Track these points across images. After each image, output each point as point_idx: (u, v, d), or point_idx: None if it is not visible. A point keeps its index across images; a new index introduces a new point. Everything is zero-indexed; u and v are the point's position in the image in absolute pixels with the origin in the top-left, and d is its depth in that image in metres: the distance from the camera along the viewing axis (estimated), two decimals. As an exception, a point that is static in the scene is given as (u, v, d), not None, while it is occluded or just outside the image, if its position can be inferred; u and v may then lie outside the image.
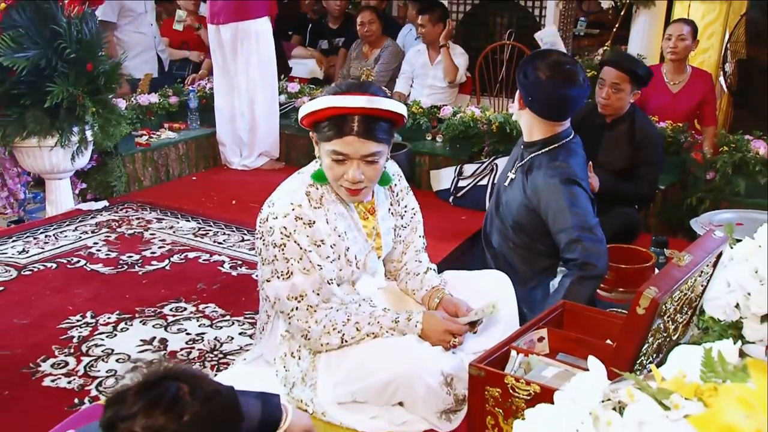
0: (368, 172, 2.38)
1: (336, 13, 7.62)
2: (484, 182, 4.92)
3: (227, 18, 5.64)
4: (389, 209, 2.66)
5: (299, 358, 2.51)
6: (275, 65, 5.88)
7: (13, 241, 4.50)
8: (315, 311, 2.42)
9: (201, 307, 3.63)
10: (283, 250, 2.37)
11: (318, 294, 2.42)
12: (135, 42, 6.46)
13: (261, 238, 2.45)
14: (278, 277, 2.40)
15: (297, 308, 2.40)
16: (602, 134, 4.06)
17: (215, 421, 1.44)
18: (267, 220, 2.41)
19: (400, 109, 2.38)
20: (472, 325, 2.55)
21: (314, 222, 2.40)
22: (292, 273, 2.39)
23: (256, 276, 3.58)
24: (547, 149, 2.95)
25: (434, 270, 2.77)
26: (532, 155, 2.97)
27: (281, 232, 2.37)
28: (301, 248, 2.37)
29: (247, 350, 3.12)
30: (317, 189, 2.47)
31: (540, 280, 3.04)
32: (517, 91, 2.98)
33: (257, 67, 5.74)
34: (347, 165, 2.36)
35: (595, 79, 4.16)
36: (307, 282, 2.40)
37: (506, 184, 3.09)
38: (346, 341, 2.41)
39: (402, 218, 2.71)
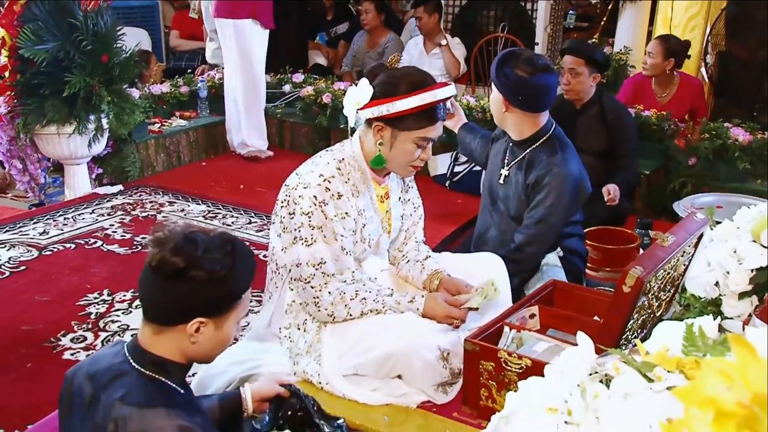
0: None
1: (329, 2, 7.63)
2: (478, 168, 4.91)
3: (216, 13, 5.62)
4: (399, 197, 2.67)
5: (304, 330, 2.51)
6: (260, 64, 5.69)
7: (35, 223, 4.50)
8: (329, 281, 2.42)
9: (211, 285, 3.63)
10: (310, 217, 2.37)
11: (335, 263, 2.43)
12: None
13: (285, 207, 2.43)
14: (302, 244, 2.39)
15: (314, 275, 2.40)
16: (575, 121, 4.07)
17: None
18: (296, 188, 2.40)
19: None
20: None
21: (342, 195, 2.41)
22: (315, 240, 2.38)
23: (264, 256, 3.58)
24: (540, 143, 2.95)
25: (432, 257, 2.76)
26: (528, 151, 2.97)
27: (311, 201, 2.36)
28: (326, 218, 2.38)
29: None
30: (346, 166, 2.47)
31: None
32: (497, 97, 2.95)
33: (238, 63, 5.63)
34: (426, 147, 2.46)
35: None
36: (327, 251, 2.40)
37: (501, 181, 3.08)
38: (351, 315, 2.42)
39: (406, 207, 2.72)
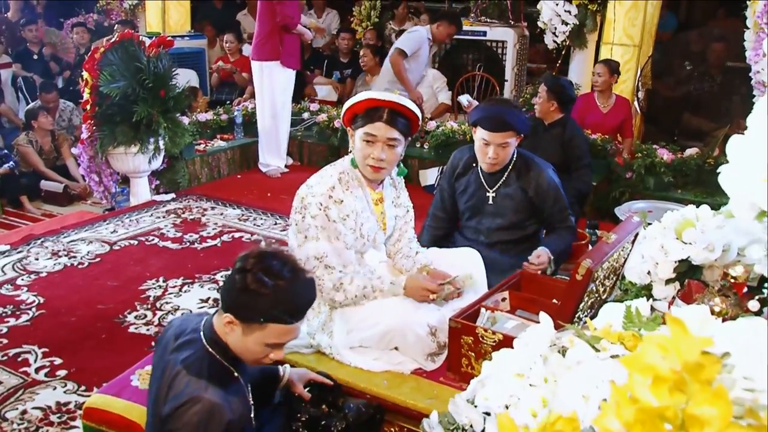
0: (389, 155, 2.37)
1: (345, 49, 7.64)
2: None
3: (251, 55, 5.64)
4: (393, 201, 2.64)
5: (319, 312, 2.49)
6: (281, 98, 5.61)
7: (107, 223, 4.50)
8: (332, 271, 2.39)
9: (246, 273, 3.62)
10: (316, 219, 2.35)
11: (337, 257, 2.40)
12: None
13: (298, 211, 2.39)
14: (310, 241, 2.38)
15: (318, 266, 2.38)
16: (542, 136, 4.07)
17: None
18: (306, 197, 2.38)
19: (417, 110, 2.40)
20: (459, 293, 2.54)
21: (342, 201, 2.38)
22: (320, 238, 2.35)
23: (286, 250, 3.57)
24: (514, 161, 3.00)
25: (422, 252, 2.75)
26: (506, 172, 3.01)
27: (318, 206, 2.34)
28: (330, 220, 2.35)
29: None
30: (345, 176, 2.44)
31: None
32: (512, 139, 2.90)
33: (263, 97, 5.61)
34: (375, 146, 2.35)
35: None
36: (330, 246, 2.36)
37: (490, 202, 3.06)
38: (348, 298, 2.39)
39: (399, 209, 2.70)
